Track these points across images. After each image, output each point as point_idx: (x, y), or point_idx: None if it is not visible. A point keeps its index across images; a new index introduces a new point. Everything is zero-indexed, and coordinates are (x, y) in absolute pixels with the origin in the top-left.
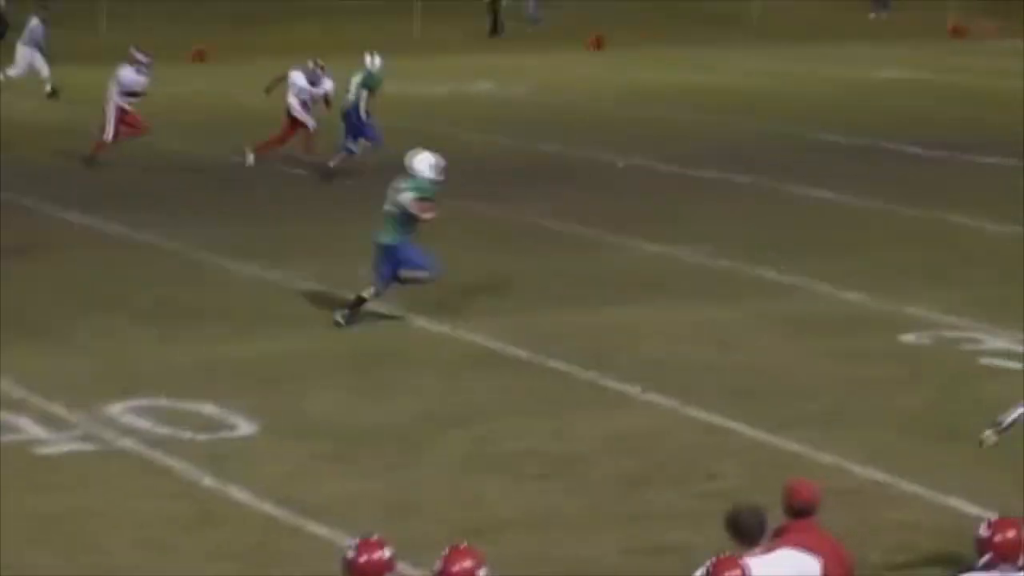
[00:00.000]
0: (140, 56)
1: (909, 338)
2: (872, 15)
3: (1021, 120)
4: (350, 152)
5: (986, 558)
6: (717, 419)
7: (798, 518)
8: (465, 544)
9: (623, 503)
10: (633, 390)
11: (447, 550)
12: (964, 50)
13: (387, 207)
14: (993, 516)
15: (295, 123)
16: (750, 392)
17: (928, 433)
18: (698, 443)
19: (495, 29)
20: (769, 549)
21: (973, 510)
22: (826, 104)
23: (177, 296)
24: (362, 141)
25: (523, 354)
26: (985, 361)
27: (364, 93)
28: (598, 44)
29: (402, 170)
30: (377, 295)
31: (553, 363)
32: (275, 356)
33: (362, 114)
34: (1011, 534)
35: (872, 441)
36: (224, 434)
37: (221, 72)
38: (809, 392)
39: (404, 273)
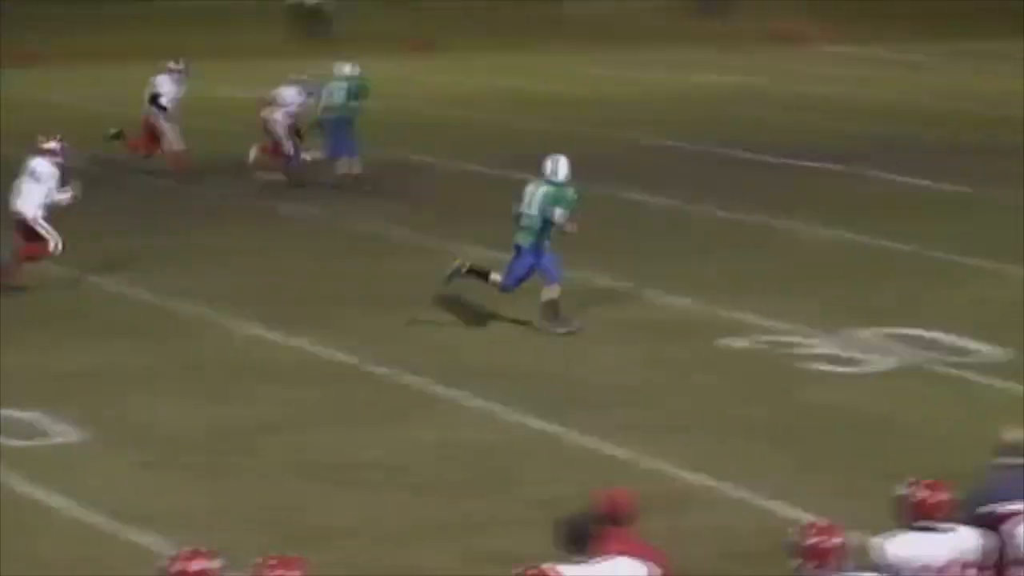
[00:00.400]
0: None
1: (738, 343)
2: (702, 19)
3: (847, 125)
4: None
5: (802, 563)
6: (548, 426)
7: (616, 526)
8: (290, 553)
9: (453, 511)
10: (464, 396)
11: (272, 559)
12: (792, 55)
13: (528, 212)
14: (812, 520)
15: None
16: (580, 398)
17: (753, 438)
18: (529, 450)
19: (311, 30)
20: (591, 557)
21: (796, 514)
22: (656, 109)
23: (5, 302)
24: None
25: (353, 361)
26: (811, 366)
27: (356, 104)
28: (426, 48)
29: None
30: (504, 290)
31: (384, 370)
32: (103, 364)
33: (349, 122)
34: (826, 539)
35: (698, 446)
36: (48, 441)
37: (49, 76)
38: (637, 398)
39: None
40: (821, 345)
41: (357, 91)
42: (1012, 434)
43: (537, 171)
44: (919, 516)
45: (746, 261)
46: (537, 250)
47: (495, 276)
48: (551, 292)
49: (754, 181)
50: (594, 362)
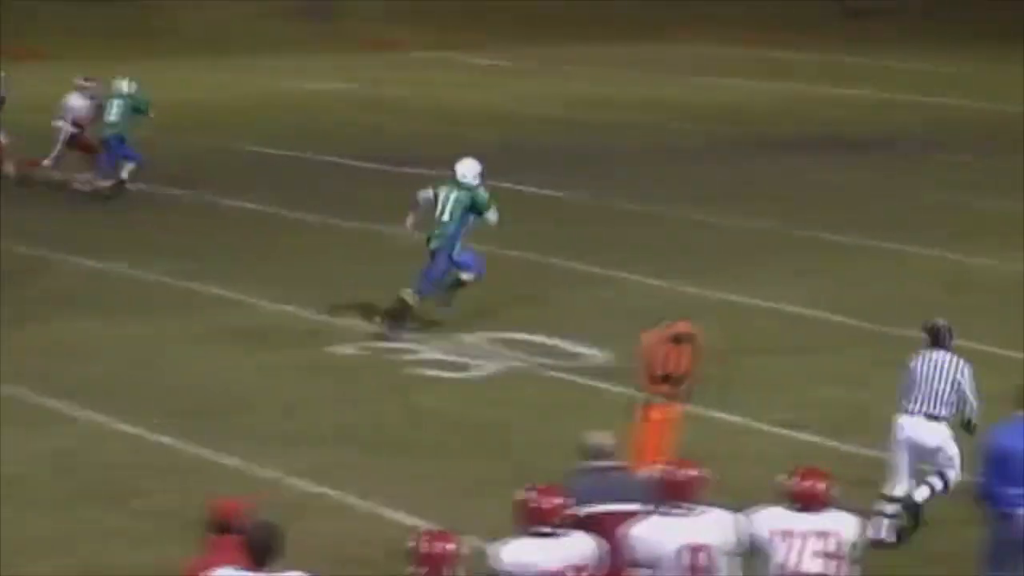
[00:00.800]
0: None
1: (345, 350)
2: (309, 26)
3: (448, 130)
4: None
5: (417, 569)
6: (153, 436)
7: (225, 535)
8: None
9: (56, 523)
10: (66, 407)
11: None
12: (395, 62)
13: (445, 216)
14: (427, 526)
15: (79, 144)
16: (187, 407)
17: (364, 445)
18: (135, 461)
19: None
20: (206, 567)
21: (410, 520)
22: (257, 116)
23: None
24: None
25: None
26: (420, 371)
27: (135, 118)
28: (33, 56)
29: None
30: (422, 294)
31: None
32: None
33: (127, 138)
34: (440, 545)
35: (310, 454)
36: None
37: None
38: (246, 406)
39: (460, 275)
40: (429, 350)
41: (135, 107)
42: (595, 438)
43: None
44: (535, 521)
45: (346, 267)
46: (449, 252)
47: (406, 295)
48: (468, 278)
49: (356, 187)
50: (202, 370)
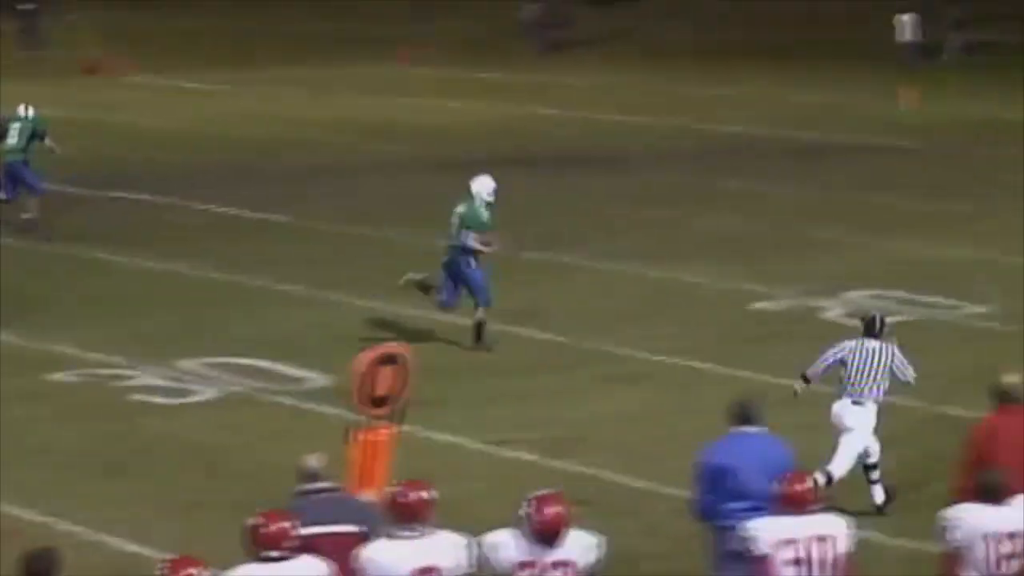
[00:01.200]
0: None
1: (59, 376)
2: (21, 53)
3: (156, 154)
4: (7, 201)
5: None
6: None
7: None
8: None
9: None
10: None
11: None
12: (99, 86)
13: (452, 231)
14: (166, 555)
15: None
16: None
17: (84, 471)
18: None
19: None
20: None
21: (132, 547)
22: None
23: None
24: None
25: None
26: (137, 397)
27: (34, 143)
28: None
29: None
30: (443, 306)
31: None
32: None
33: (28, 163)
34: (186, 573)
35: (29, 482)
36: None
37: None
38: None
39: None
40: (144, 376)
41: (32, 132)
42: (307, 460)
43: None
44: (263, 546)
45: (61, 293)
46: (467, 266)
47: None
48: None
49: (67, 213)
50: None
